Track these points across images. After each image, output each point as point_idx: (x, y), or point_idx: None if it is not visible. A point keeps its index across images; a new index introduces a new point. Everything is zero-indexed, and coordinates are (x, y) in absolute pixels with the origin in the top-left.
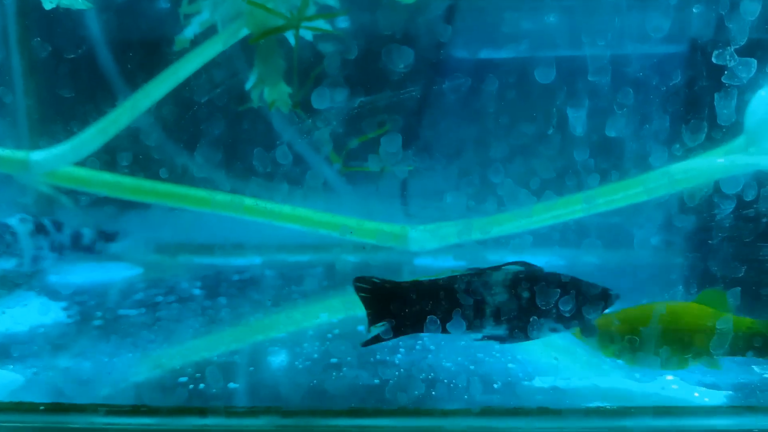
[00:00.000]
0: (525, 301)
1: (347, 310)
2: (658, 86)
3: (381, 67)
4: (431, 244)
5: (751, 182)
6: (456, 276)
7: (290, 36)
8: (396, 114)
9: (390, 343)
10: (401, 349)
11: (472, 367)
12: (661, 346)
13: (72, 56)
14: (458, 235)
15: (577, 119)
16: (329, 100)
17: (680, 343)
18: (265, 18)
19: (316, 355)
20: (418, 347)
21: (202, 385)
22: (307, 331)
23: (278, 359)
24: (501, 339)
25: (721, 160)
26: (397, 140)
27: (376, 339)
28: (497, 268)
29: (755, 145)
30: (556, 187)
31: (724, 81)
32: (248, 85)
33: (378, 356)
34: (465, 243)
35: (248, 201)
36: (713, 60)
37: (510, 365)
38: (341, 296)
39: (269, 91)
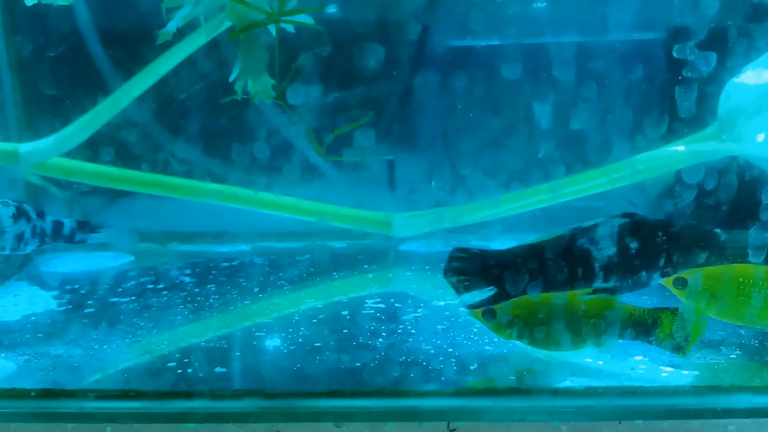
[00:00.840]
0: (633, 250)
1: (331, 296)
2: (634, 75)
3: (362, 59)
4: (416, 230)
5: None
6: (560, 235)
7: (272, 27)
8: (375, 105)
9: (372, 327)
10: (383, 333)
11: (450, 349)
12: (556, 330)
13: (59, 48)
14: (443, 221)
15: (546, 110)
16: (311, 92)
17: (574, 327)
18: (247, 11)
19: (300, 340)
20: (399, 331)
21: (190, 370)
22: (293, 317)
23: (264, 344)
24: (611, 291)
25: (690, 147)
26: (369, 134)
27: (488, 302)
28: (599, 222)
29: (727, 132)
30: (544, 172)
31: (693, 70)
32: (232, 77)
33: (361, 340)
34: (451, 229)
35: (229, 189)
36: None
37: (487, 347)
38: (327, 282)
39: (253, 83)
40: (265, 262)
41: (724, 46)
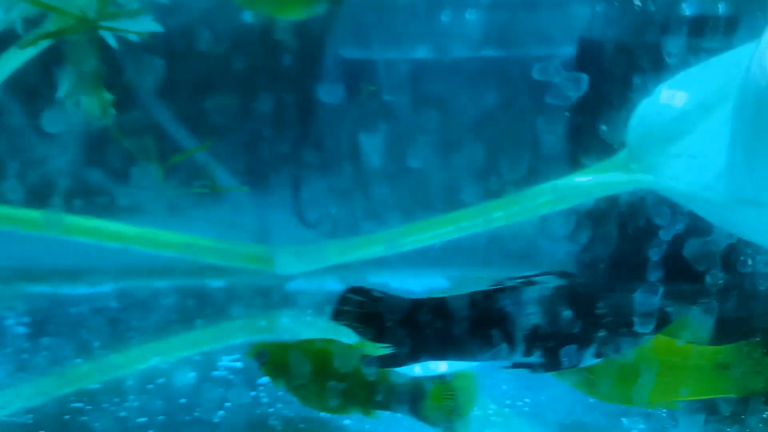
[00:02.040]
0: (566, 321)
1: (182, 350)
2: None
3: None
4: (303, 266)
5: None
6: (480, 291)
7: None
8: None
9: (216, 395)
10: (227, 404)
11: (302, 425)
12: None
13: None
14: (335, 256)
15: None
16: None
17: (341, 389)
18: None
19: (123, 413)
20: (249, 401)
21: None
22: (126, 381)
23: (78, 419)
24: (534, 367)
25: (595, 178)
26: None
27: (384, 362)
28: (530, 280)
29: (637, 161)
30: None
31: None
32: (60, 93)
33: (196, 414)
34: (343, 264)
35: (70, 219)
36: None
37: (347, 422)
38: (184, 333)
39: (86, 100)
40: (120, 307)
41: (634, 63)
